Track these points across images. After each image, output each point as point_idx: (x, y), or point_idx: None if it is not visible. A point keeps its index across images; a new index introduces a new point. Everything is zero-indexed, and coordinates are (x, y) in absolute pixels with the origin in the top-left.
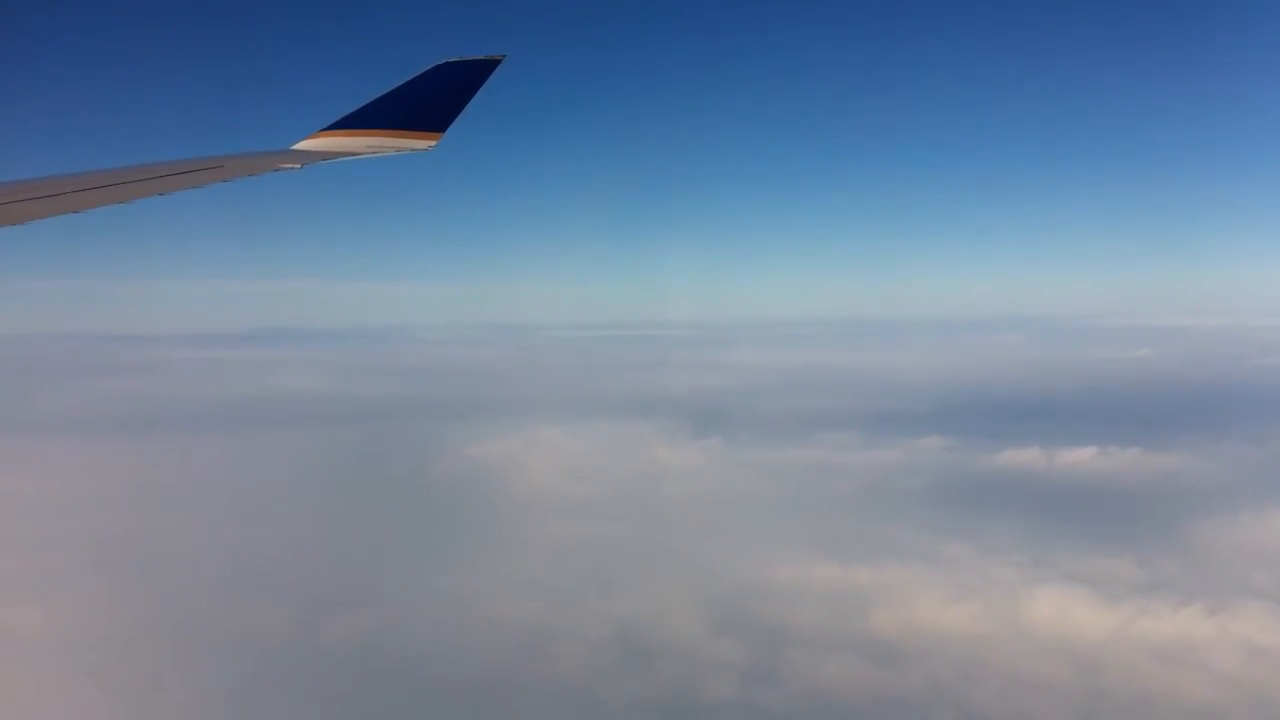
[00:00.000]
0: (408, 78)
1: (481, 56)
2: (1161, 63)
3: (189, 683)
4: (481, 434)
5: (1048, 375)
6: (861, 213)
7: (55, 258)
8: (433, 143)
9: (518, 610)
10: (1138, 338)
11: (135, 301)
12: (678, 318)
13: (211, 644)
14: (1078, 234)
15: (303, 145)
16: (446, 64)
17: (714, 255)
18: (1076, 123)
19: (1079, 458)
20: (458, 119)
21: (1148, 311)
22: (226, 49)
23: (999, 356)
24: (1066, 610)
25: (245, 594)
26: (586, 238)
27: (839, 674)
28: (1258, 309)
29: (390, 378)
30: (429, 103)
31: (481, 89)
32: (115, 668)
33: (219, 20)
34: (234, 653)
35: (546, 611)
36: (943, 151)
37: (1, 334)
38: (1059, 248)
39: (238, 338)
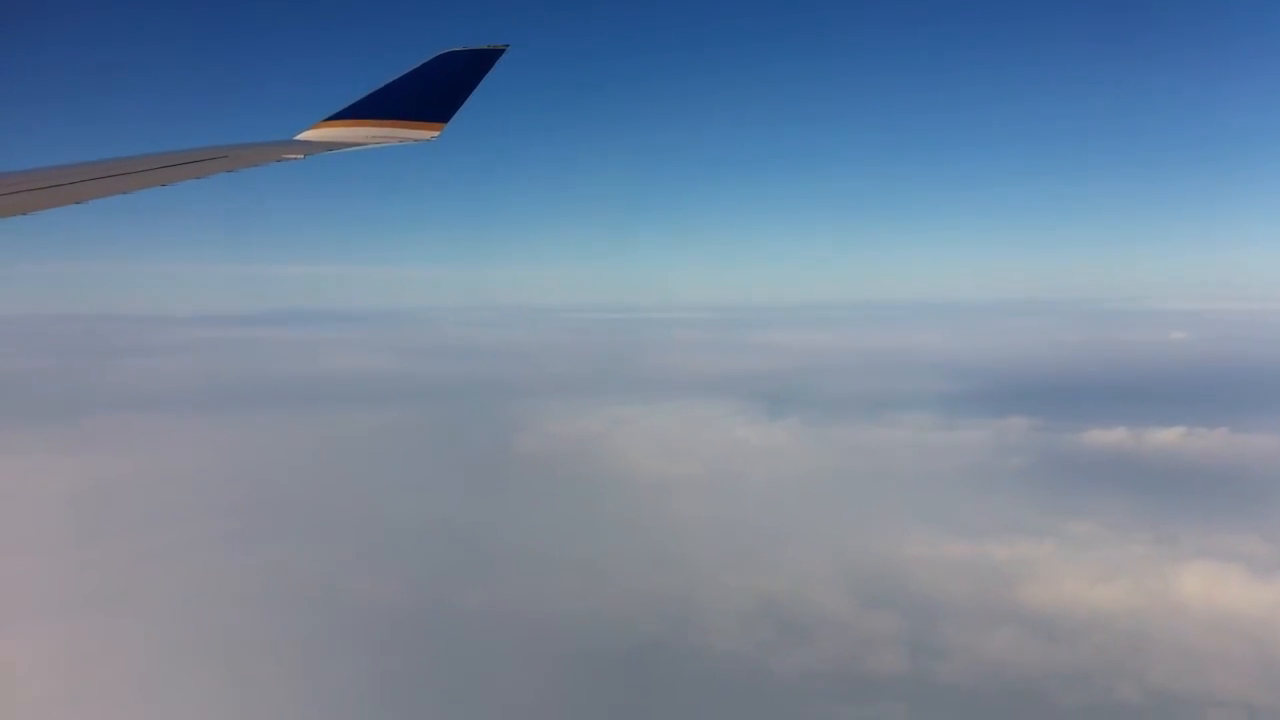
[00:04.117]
0: (411, 67)
1: (485, 46)
2: (1190, 48)
3: (343, 653)
4: (557, 413)
5: (1094, 357)
6: (877, 198)
7: (61, 241)
8: (436, 133)
9: (656, 583)
10: (1164, 321)
11: (145, 284)
12: (696, 301)
13: (355, 612)
14: (1087, 220)
15: (306, 135)
16: (449, 54)
17: (730, 239)
18: (1083, 112)
19: (1169, 438)
20: (462, 108)
21: (1164, 295)
22: (231, 39)
23: (1038, 339)
24: (1217, 585)
25: (377, 566)
26: (598, 223)
27: (1007, 648)
28: (1270, 294)
29: (439, 358)
30: (432, 93)
31: (485, 78)
32: (262, 640)
33: (224, 11)
34: (379, 621)
35: (685, 585)
36: (958, 135)
37: (16, 315)
38: (1069, 233)
39: (258, 319)
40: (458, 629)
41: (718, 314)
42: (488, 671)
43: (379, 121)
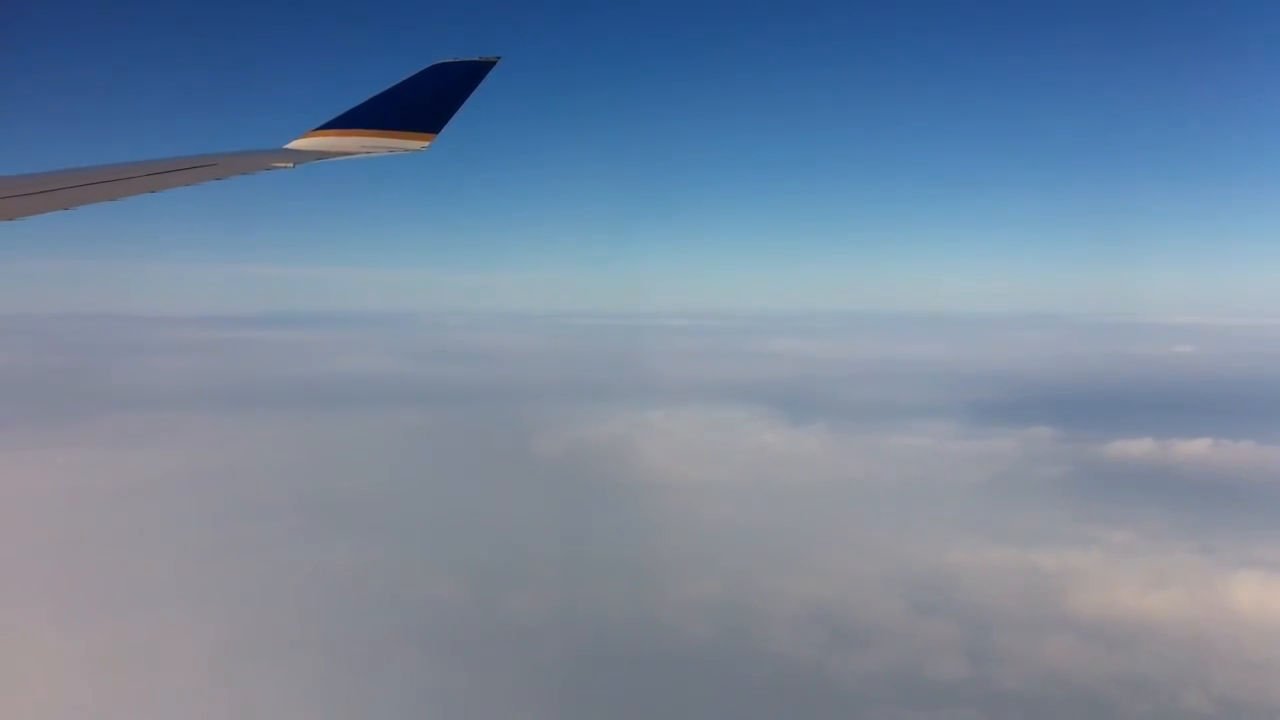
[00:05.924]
0: (403, 78)
1: (477, 58)
2: (1194, 62)
3: (385, 656)
4: (574, 417)
5: (1104, 370)
6: (878, 208)
7: (58, 242)
8: (426, 143)
9: (702, 588)
10: (1168, 335)
11: (143, 286)
12: (694, 308)
13: (392, 614)
14: (1087, 234)
15: (296, 144)
16: (441, 64)
17: (729, 247)
18: (1075, 121)
19: (1196, 449)
20: (453, 119)
21: (1163, 310)
22: (222, 48)
23: (1042, 351)
24: (1269, 595)
25: (411, 569)
26: (594, 230)
27: (1066, 655)
28: (1263, 309)
29: (443, 361)
30: (423, 103)
31: (477, 90)
32: (298, 641)
33: (215, 19)
34: (420, 623)
35: (731, 591)
36: (961, 146)
37: (12, 313)
38: (1068, 247)
39: (257, 321)
40: (504, 632)
41: (717, 321)
42: (538, 674)
43: (369, 131)
